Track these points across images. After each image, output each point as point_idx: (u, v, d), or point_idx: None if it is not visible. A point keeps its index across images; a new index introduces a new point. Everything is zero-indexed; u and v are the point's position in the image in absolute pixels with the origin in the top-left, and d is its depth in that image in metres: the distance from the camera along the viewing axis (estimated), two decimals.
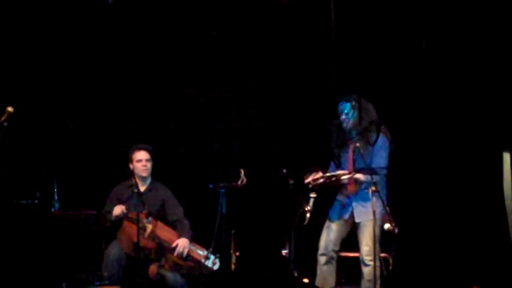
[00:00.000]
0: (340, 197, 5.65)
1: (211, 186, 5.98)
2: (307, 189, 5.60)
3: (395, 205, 5.73)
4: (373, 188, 5.29)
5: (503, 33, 6.32)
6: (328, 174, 5.51)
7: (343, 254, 5.92)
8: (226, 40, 6.81)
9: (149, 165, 5.99)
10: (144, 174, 5.98)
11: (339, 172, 5.51)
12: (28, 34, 6.33)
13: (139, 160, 5.96)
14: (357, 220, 5.52)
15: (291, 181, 5.54)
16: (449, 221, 6.58)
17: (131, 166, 5.97)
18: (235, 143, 7.28)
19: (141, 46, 6.73)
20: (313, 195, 5.50)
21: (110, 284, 5.46)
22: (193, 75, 7.02)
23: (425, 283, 6.39)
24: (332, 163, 5.72)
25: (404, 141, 6.78)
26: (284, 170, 5.54)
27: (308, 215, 5.45)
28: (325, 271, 5.57)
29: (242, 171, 5.89)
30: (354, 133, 5.57)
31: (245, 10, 6.54)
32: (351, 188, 5.56)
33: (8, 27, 6.24)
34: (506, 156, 6.49)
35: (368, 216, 5.40)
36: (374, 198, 5.30)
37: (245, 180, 5.84)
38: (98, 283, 5.43)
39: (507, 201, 6.45)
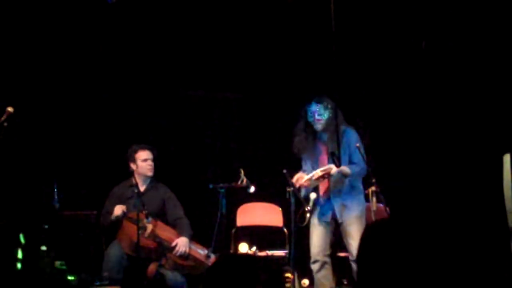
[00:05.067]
0: (319, 198, 5.60)
1: (211, 186, 5.98)
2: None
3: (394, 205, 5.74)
4: (373, 188, 5.29)
5: (503, 33, 6.32)
6: (319, 172, 5.46)
7: (343, 254, 5.93)
8: (226, 40, 6.81)
9: (153, 164, 5.97)
10: (150, 173, 5.95)
11: (327, 167, 5.46)
12: (28, 34, 6.32)
13: (145, 160, 5.92)
14: (340, 221, 5.48)
15: (284, 171, 5.51)
16: (448, 222, 6.58)
17: (133, 166, 5.93)
18: (235, 143, 7.28)
19: (141, 46, 6.74)
20: (313, 195, 5.50)
21: (110, 284, 5.45)
22: (193, 76, 7.03)
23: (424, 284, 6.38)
24: (303, 158, 5.68)
25: (404, 141, 6.79)
26: (284, 171, 5.54)
27: (308, 215, 5.44)
28: (320, 278, 5.54)
29: (242, 171, 5.89)
30: (325, 135, 5.56)
31: (245, 10, 6.54)
32: (322, 188, 5.54)
33: (8, 27, 6.24)
34: (506, 156, 6.49)
35: (351, 214, 5.41)
36: (374, 198, 5.30)
37: (245, 180, 5.84)
38: (98, 283, 5.43)
39: (507, 202, 6.45)
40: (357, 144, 5.44)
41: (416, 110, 6.77)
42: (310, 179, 5.43)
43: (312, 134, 5.60)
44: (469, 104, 6.60)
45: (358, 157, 5.44)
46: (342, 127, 5.46)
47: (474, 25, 6.36)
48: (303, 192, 5.49)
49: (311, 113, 5.55)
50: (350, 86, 6.11)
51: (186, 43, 6.81)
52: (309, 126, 5.58)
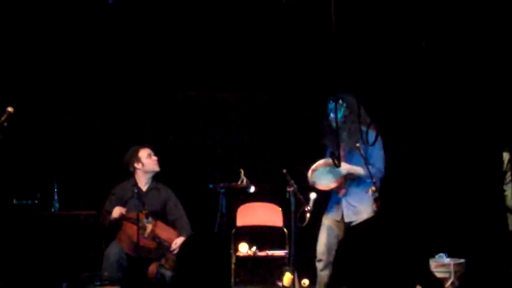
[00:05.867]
0: (332, 196, 5.62)
1: (211, 186, 5.97)
2: (307, 189, 5.59)
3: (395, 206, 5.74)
4: (373, 188, 5.29)
5: (503, 33, 6.32)
6: (321, 162, 5.45)
7: None
8: (226, 40, 6.81)
9: (157, 158, 5.96)
10: (158, 168, 5.94)
11: (329, 160, 5.44)
12: (28, 34, 6.32)
13: (150, 155, 5.92)
14: (346, 220, 5.48)
15: (284, 171, 5.51)
16: (449, 222, 6.58)
17: (138, 165, 5.91)
18: (235, 143, 7.28)
19: (141, 46, 6.73)
20: (313, 195, 5.50)
21: (110, 284, 5.45)
22: (193, 76, 7.02)
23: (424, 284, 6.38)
24: (327, 150, 5.66)
25: (404, 141, 6.79)
26: (284, 170, 5.53)
27: (308, 215, 5.44)
28: (324, 276, 5.55)
29: (242, 171, 5.89)
30: (342, 132, 5.53)
31: (245, 10, 6.54)
32: (339, 186, 5.54)
33: (8, 27, 6.24)
34: (506, 156, 6.49)
35: (359, 217, 5.40)
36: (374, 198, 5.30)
37: (245, 180, 5.84)
38: (98, 283, 5.43)
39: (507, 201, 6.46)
40: (357, 144, 5.41)
41: (416, 110, 6.77)
42: (313, 169, 5.43)
43: (332, 129, 5.57)
44: (469, 102, 6.60)
45: (375, 158, 5.41)
46: (362, 128, 5.41)
47: (474, 24, 6.36)
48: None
49: (328, 110, 5.55)
50: (349, 87, 6.10)
51: (186, 43, 6.81)
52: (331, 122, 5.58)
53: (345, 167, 5.39)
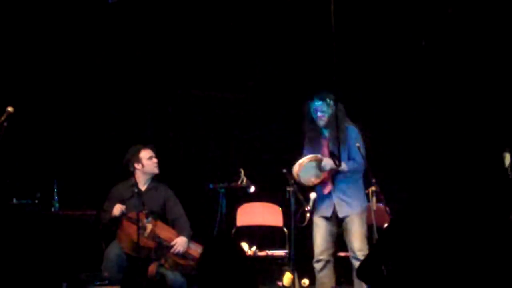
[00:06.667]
0: (320, 194, 5.62)
1: (211, 186, 5.98)
2: (307, 189, 5.60)
3: (395, 205, 5.74)
4: (373, 188, 5.29)
5: (503, 33, 6.32)
6: (311, 156, 5.47)
7: (343, 254, 5.93)
8: (226, 39, 6.81)
9: (157, 161, 5.97)
10: (157, 170, 5.93)
11: (320, 156, 5.48)
12: (28, 34, 6.32)
13: (150, 157, 5.92)
14: (340, 215, 5.49)
15: (284, 171, 5.52)
16: (449, 222, 6.57)
17: (138, 166, 5.91)
18: (235, 144, 7.28)
19: (141, 46, 6.74)
20: (313, 195, 5.50)
21: (110, 284, 5.45)
22: (193, 75, 7.02)
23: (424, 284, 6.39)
24: (305, 148, 5.68)
25: (403, 141, 6.79)
26: (284, 170, 5.54)
27: (308, 215, 5.45)
28: (322, 277, 5.55)
29: (242, 171, 5.89)
30: (326, 131, 5.57)
31: (245, 9, 6.55)
32: (325, 185, 5.55)
33: (8, 27, 6.24)
34: (506, 156, 6.49)
35: (351, 210, 5.42)
36: (374, 198, 5.30)
37: (245, 180, 5.84)
38: (98, 283, 5.43)
39: None
40: (357, 144, 5.44)
41: (416, 109, 6.77)
42: (301, 164, 5.43)
43: (316, 128, 5.61)
44: (469, 102, 6.60)
45: (356, 154, 5.44)
46: (345, 125, 5.47)
47: (474, 23, 6.36)
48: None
49: (313, 109, 5.57)
50: (349, 86, 6.10)
51: (186, 43, 6.81)
52: (313, 121, 5.60)
53: (329, 162, 5.41)
